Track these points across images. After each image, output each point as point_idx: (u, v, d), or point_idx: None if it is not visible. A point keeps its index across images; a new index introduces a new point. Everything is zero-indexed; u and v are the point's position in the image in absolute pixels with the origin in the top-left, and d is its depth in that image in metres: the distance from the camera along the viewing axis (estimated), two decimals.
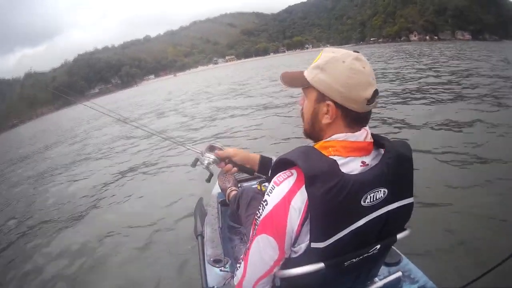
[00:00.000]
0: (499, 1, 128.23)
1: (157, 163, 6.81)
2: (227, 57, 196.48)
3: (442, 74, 13.28)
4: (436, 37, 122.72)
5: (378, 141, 0.92)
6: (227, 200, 1.98)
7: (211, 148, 1.25)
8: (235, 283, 0.93)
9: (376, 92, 0.84)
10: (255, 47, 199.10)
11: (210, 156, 1.23)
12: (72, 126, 22.56)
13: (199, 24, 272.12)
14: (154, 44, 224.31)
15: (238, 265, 0.93)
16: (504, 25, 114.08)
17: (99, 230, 4.09)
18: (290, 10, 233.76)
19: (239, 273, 0.91)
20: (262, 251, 0.85)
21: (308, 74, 0.92)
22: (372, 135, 0.92)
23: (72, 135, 16.96)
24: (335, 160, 0.81)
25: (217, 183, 2.33)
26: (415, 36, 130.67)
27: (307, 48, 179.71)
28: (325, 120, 0.89)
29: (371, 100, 0.84)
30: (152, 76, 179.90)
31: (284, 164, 0.86)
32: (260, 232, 0.85)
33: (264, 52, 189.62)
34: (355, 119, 0.87)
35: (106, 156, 9.00)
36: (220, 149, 1.25)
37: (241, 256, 0.93)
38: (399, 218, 0.93)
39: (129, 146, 9.37)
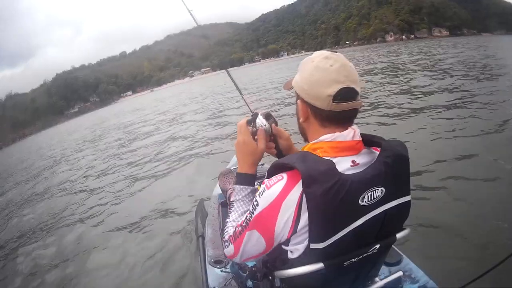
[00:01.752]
0: None
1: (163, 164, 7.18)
2: (202, 69, 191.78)
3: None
4: (412, 36, 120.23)
5: (370, 140, 0.92)
6: (227, 201, 1.90)
7: (268, 116, 1.14)
8: (226, 255, 0.98)
9: (345, 90, 0.83)
10: (230, 57, 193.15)
11: (264, 123, 1.12)
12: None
13: (173, 37, 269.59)
14: (130, 60, 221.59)
15: (226, 243, 0.96)
16: (482, 19, 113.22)
17: (99, 229, 4.34)
18: (263, 18, 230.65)
19: (229, 251, 0.96)
20: (251, 244, 0.89)
21: (294, 78, 0.96)
22: (363, 134, 0.92)
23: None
24: (331, 160, 0.80)
25: (217, 184, 2.33)
26: (391, 37, 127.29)
27: (282, 55, 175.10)
28: (301, 118, 0.93)
29: (339, 98, 0.82)
30: (130, 92, 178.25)
31: (280, 168, 0.86)
32: (251, 227, 0.87)
33: (239, 62, 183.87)
34: (327, 118, 0.87)
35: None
36: (275, 122, 1.15)
37: (229, 236, 0.96)
38: (397, 217, 0.92)
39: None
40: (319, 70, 0.85)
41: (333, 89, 0.82)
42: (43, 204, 6.93)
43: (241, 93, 1.35)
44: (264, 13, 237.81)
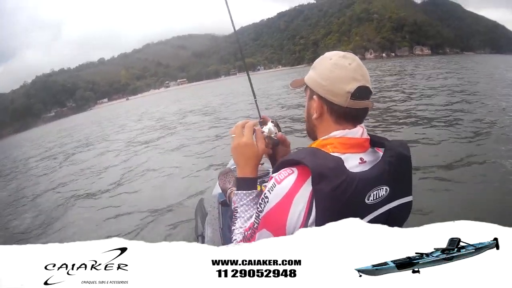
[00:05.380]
0: (459, 15, 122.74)
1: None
2: (178, 80, 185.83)
3: None
4: (393, 54, 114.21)
5: (374, 141, 0.93)
6: (227, 201, 1.91)
7: (277, 125, 1.14)
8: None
9: (362, 89, 0.84)
10: (207, 69, 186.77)
11: (275, 131, 1.12)
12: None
13: (152, 46, 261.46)
14: (108, 67, 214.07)
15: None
16: (465, 38, 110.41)
17: (98, 229, 4.26)
18: (242, 31, 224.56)
19: None
20: None
21: (306, 75, 0.96)
22: (368, 134, 0.93)
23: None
24: (340, 157, 0.80)
25: (217, 183, 2.36)
26: (370, 54, 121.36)
27: (259, 69, 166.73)
28: (314, 115, 0.92)
29: (356, 96, 0.84)
30: (106, 100, 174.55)
31: (289, 164, 0.84)
32: (261, 227, 0.85)
33: (216, 74, 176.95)
34: (342, 115, 0.88)
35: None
36: (280, 130, 1.16)
37: (237, 243, 0.93)
38: (399, 217, 0.92)
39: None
40: (338, 67, 0.85)
41: (352, 86, 0.83)
42: None
43: (255, 97, 1.36)
44: (243, 26, 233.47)
